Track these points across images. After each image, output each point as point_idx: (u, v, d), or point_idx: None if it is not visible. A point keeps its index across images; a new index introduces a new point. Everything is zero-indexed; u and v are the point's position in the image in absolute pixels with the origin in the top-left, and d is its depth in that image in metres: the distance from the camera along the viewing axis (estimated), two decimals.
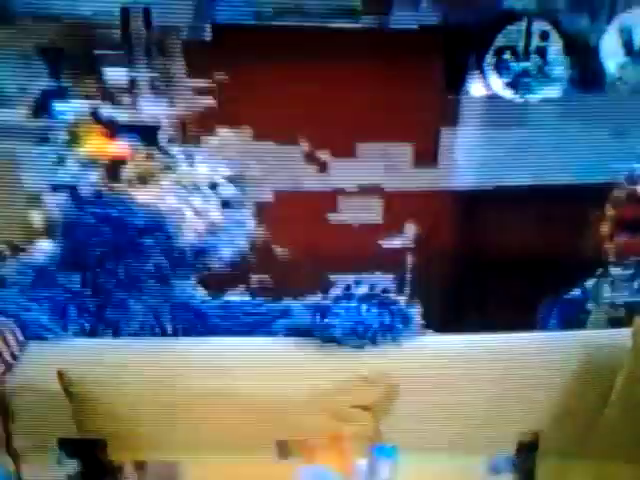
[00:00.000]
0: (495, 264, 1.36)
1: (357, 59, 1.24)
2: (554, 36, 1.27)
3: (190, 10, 1.17)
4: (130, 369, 1.34)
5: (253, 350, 1.37)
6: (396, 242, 1.33)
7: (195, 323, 1.35)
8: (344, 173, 1.30)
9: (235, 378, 1.38)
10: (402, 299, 1.36)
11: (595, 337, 1.41)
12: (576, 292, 1.39)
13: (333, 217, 1.33)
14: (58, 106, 1.22)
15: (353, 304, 1.33)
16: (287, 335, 1.36)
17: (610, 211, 1.36)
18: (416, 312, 1.36)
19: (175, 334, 1.34)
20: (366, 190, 1.32)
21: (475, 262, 1.36)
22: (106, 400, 1.34)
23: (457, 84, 1.27)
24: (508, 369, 1.40)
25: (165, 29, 1.18)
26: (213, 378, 1.37)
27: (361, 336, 1.35)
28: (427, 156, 1.30)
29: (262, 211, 1.30)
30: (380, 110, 1.28)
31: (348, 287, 1.33)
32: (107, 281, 1.30)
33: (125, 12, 1.17)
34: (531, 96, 1.30)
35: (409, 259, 1.34)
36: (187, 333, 1.34)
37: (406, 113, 1.28)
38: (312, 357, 1.39)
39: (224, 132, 1.26)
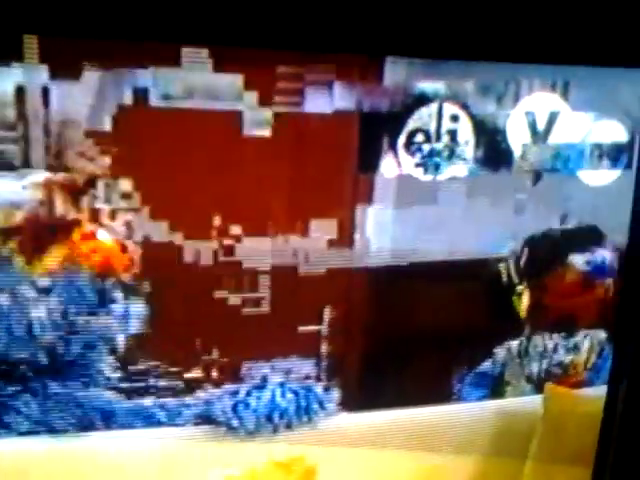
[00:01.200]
0: (410, 339, 1.37)
1: (271, 139, 1.20)
2: (463, 119, 1.29)
3: (92, 93, 1.09)
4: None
5: (159, 443, 1.30)
6: (311, 326, 1.30)
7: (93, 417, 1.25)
8: (255, 254, 1.25)
9: (141, 475, 1.31)
10: (317, 381, 1.34)
11: (509, 405, 1.45)
12: (491, 363, 1.42)
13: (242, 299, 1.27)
14: None
15: (267, 392, 1.30)
16: (195, 425, 1.30)
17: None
18: (332, 393, 1.34)
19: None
20: (279, 270, 1.27)
21: (390, 339, 1.36)
22: None
23: (371, 165, 1.26)
24: (425, 443, 1.41)
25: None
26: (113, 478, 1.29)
27: (276, 423, 1.32)
28: (342, 236, 1.28)
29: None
30: (294, 190, 1.24)
31: (262, 377, 1.29)
32: None
33: (20, 91, 1.07)
34: (440, 175, 1.31)
35: (324, 340, 1.32)
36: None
37: (320, 194, 1.26)
38: (223, 445, 1.34)
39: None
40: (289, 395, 1.33)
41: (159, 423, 1.29)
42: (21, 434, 1.23)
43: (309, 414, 1.35)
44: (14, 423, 1.22)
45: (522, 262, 1.40)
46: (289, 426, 1.35)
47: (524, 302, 1.43)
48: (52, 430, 1.24)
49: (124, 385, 1.26)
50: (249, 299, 1.28)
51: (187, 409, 1.30)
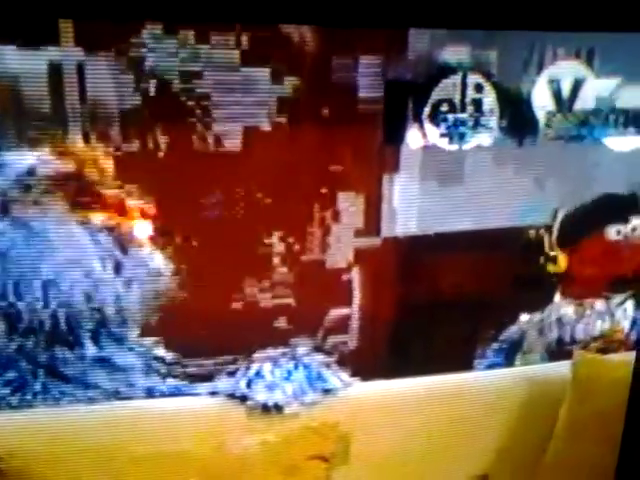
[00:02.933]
0: (436, 307, 1.39)
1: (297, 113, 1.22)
2: (487, 88, 1.30)
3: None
4: (66, 440, 1.28)
5: (196, 410, 1.34)
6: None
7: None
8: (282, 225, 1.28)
9: (180, 440, 1.35)
10: (344, 349, 1.36)
11: (536, 371, 1.46)
12: (520, 330, 1.43)
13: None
14: None
15: (297, 363, 1.32)
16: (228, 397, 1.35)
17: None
18: (355, 363, 1.36)
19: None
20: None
21: (415, 307, 1.37)
22: (41, 475, 1.28)
23: (396, 137, 1.28)
24: (448, 412, 1.43)
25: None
26: (156, 442, 1.33)
27: (307, 391, 1.35)
28: (368, 207, 1.30)
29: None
30: (320, 165, 1.27)
31: (292, 346, 1.31)
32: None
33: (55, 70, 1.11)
34: (465, 145, 1.32)
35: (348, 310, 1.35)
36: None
37: (347, 167, 1.28)
38: (257, 413, 1.37)
39: None
40: (317, 363, 1.36)
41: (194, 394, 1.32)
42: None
43: (339, 381, 1.38)
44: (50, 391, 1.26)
45: (550, 231, 1.41)
46: (320, 393, 1.38)
47: (553, 270, 1.44)
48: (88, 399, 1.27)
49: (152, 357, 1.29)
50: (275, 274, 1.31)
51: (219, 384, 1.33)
